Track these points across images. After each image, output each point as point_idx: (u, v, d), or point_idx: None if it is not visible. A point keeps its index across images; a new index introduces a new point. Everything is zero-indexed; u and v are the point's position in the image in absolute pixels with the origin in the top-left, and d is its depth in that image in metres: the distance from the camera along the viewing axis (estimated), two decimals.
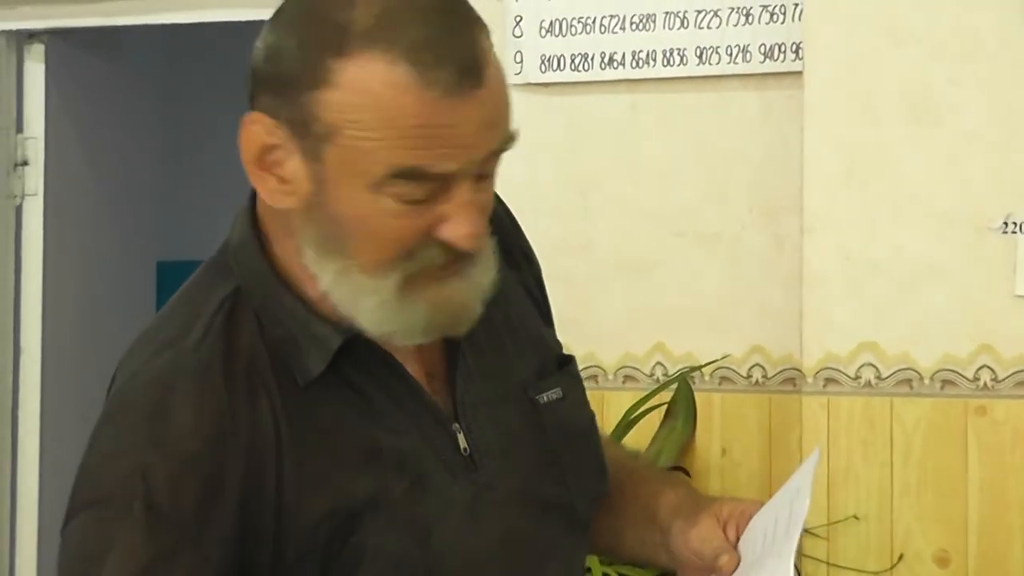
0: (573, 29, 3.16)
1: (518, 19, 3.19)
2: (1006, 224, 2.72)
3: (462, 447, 1.32)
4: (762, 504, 1.36)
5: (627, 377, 3.07)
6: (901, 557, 2.73)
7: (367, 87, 1.16)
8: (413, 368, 1.32)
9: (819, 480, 2.78)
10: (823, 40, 2.82)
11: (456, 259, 1.24)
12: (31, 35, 3.80)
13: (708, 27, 3.07)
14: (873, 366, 2.77)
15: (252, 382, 1.24)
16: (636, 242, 3.09)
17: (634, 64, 3.11)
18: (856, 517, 2.73)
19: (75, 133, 3.97)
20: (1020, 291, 2.73)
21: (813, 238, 2.80)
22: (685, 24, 3.09)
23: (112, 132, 4.18)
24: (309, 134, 1.19)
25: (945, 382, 2.75)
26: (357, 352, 1.27)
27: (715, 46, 3.06)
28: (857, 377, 2.78)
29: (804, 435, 2.80)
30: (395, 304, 1.23)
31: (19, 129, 3.84)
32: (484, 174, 1.24)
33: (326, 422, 1.25)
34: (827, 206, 2.79)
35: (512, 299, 1.44)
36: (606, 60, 3.12)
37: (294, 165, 1.21)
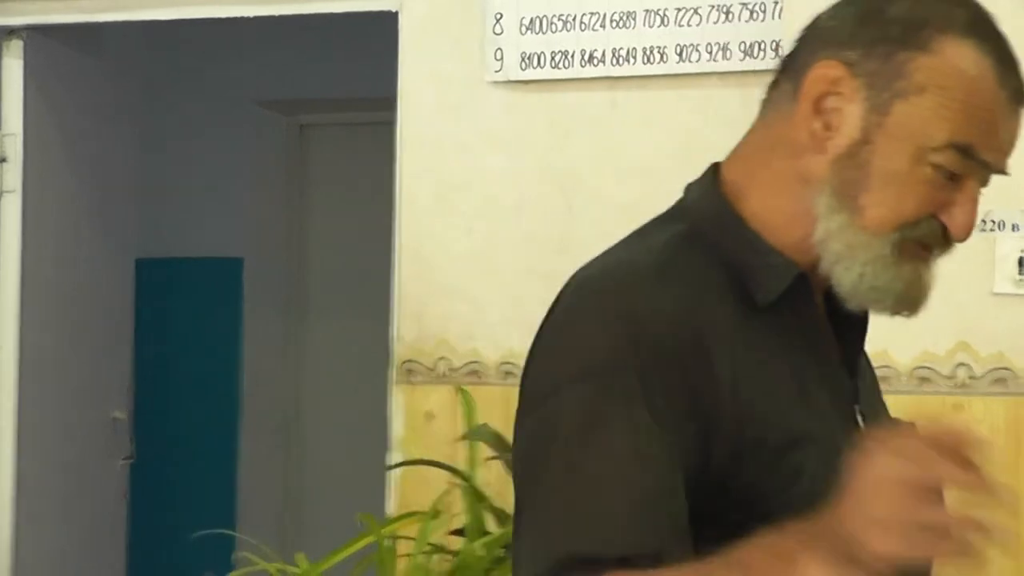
0: (553, 26, 3.16)
1: (498, 16, 3.19)
2: (984, 222, 2.73)
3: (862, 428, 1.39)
4: None
5: None
6: None
7: (960, 65, 1.34)
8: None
9: None
10: None
11: (936, 246, 1.39)
12: (10, 31, 3.79)
13: (688, 25, 3.08)
14: None
15: (710, 289, 1.35)
16: (616, 239, 3.08)
17: (614, 61, 3.12)
18: None
19: (54, 129, 3.96)
20: (998, 289, 2.73)
21: None
22: (665, 22, 3.09)
23: (92, 129, 4.17)
24: (888, 88, 1.34)
25: (922, 379, 2.76)
26: (802, 297, 1.38)
27: (695, 44, 3.06)
28: None
29: None
30: (885, 264, 1.35)
31: None
32: (985, 184, 1.40)
33: (770, 347, 1.35)
34: None
35: (870, 376, 1.54)
36: (586, 57, 3.12)
37: (849, 113, 1.35)
